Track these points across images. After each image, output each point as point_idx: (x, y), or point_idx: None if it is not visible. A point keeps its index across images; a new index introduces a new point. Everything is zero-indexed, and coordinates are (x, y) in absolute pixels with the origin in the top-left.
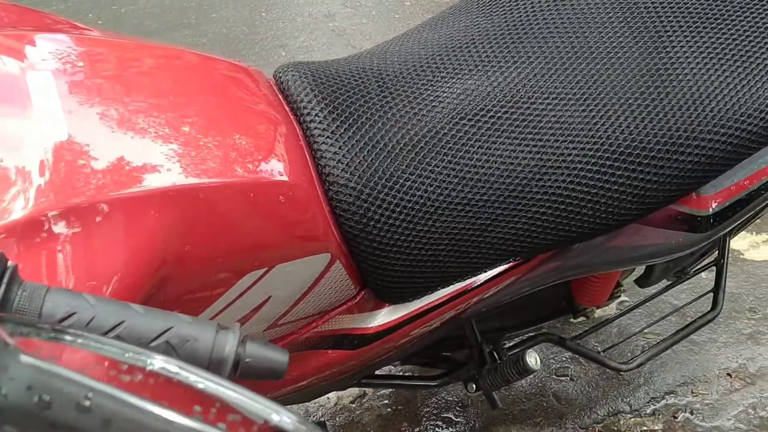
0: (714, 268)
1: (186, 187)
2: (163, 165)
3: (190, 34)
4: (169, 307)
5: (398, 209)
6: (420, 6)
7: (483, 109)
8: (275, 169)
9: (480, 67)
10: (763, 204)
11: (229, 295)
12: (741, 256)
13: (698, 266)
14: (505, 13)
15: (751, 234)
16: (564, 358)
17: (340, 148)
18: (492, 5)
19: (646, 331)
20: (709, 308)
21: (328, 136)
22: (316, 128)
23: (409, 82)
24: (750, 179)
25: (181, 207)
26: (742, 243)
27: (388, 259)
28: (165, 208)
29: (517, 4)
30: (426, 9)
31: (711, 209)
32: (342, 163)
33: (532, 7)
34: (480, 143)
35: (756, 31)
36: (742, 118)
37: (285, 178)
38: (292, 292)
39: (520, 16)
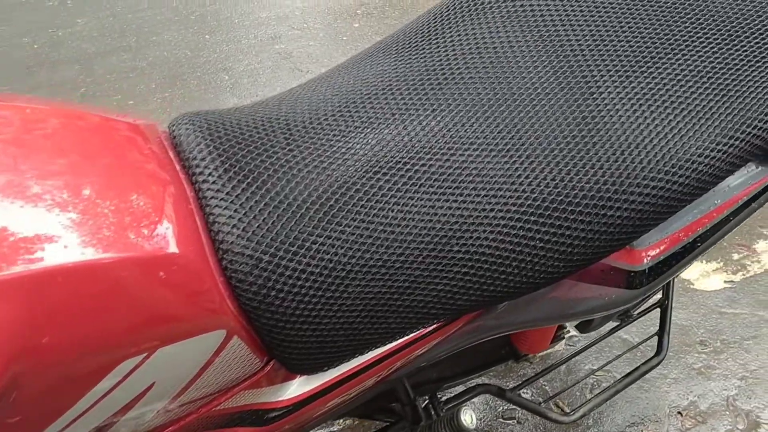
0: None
1: (38, 272)
2: (9, 246)
3: (130, 57)
4: (27, 407)
5: (304, 275)
6: (369, 27)
7: (399, 161)
8: (155, 240)
9: (397, 116)
10: (702, 253)
11: (101, 387)
12: (691, 286)
13: (642, 308)
14: (424, 57)
15: (702, 263)
16: None
17: (236, 210)
18: (411, 48)
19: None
20: (655, 352)
21: (222, 198)
22: (209, 189)
23: (320, 133)
24: (685, 231)
25: (33, 294)
26: (692, 272)
27: (295, 331)
28: (10, 296)
29: (438, 47)
30: (375, 30)
31: (645, 264)
32: (238, 228)
33: (453, 50)
34: (396, 198)
35: (688, 75)
36: (673, 170)
37: (168, 249)
38: (182, 374)
39: (441, 60)
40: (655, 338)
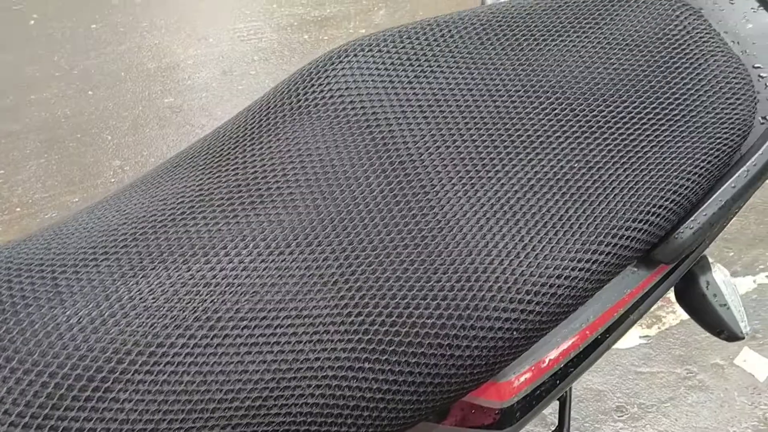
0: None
1: None
2: None
3: (4, 119)
4: None
5: None
6: (267, 74)
7: (198, 309)
8: None
9: (198, 247)
10: (578, 377)
11: None
12: None
13: None
14: (236, 169)
15: None
16: None
17: None
18: (221, 157)
19: None
20: None
21: None
22: None
23: (95, 279)
24: (554, 357)
25: None
26: None
27: None
28: None
29: (252, 156)
30: (274, 77)
31: (513, 398)
32: None
33: (271, 159)
34: (192, 358)
35: (543, 179)
36: (528, 297)
37: None
38: None
39: (255, 173)
40: None
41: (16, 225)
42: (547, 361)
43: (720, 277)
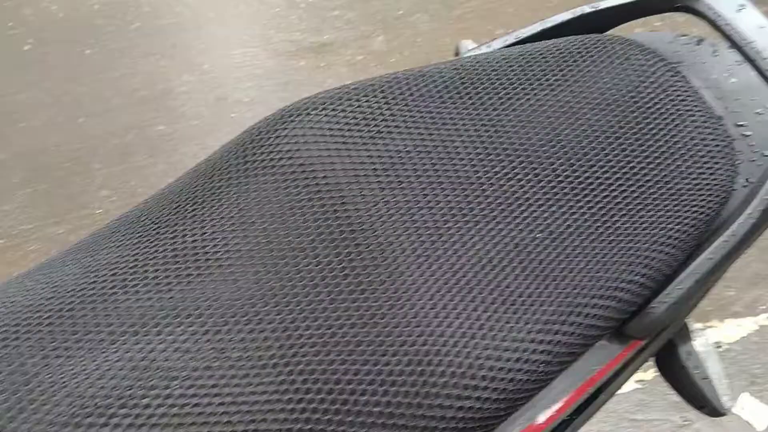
0: None
1: None
2: None
3: None
4: None
5: None
6: (261, 101)
7: (113, 405)
8: None
9: (125, 329)
10: None
11: None
12: None
13: None
14: (174, 238)
15: None
16: None
17: None
18: (159, 225)
19: None
20: None
21: None
22: None
23: None
24: None
25: None
26: None
27: None
28: None
29: (194, 223)
30: (268, 105)
31: None
32: None
33: (213, 227)
34: None
35: (502, 252)
36: (484, 383)
37: None
38: None
39: (195, 242)
40: None
41: (0, 257)
42: None
43: (701, 348)
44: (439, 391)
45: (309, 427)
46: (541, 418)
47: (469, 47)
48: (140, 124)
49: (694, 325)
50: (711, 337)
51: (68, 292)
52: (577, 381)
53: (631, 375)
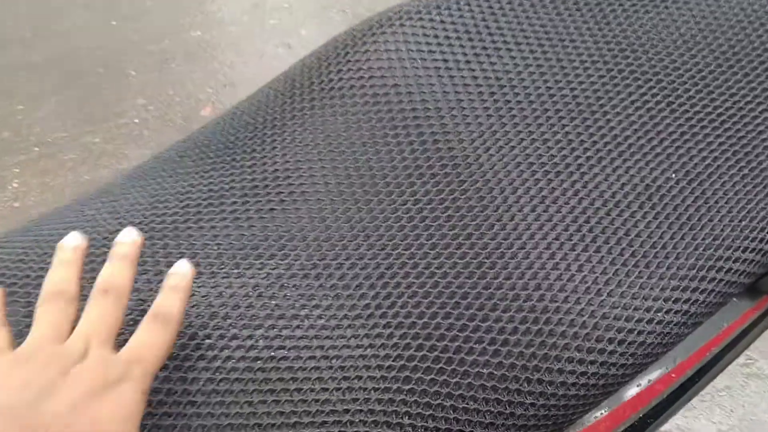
0: None
1: None
2: None
3: (23, 50)
4: None
5: None
6: (303, 9)
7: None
8: None
9: (201, 270)
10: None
11: None
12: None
13: None
14: (253, 165)
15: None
16: None
17: None
18: (235, 148)
19: None
20: None
21: None
22: None
23: None
24: (632, 404)
25: None
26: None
27: None
28: None
29: (273, 149)
30: (310, 14)
31: None
32: None
33: (295, 154)
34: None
35: (631, 193)
36: (610, 346)
37: None
38: None
39: (276, 171)
40: None
41: (34, 166)
42: (623, 411)
43: None
44: (559, 354)
45: (408, 387)
46: (660, 380)
47: None
48: (176, 29)
49: None
50: None
51: (135, 224)
52: (701, 339)
53: (756, 339)
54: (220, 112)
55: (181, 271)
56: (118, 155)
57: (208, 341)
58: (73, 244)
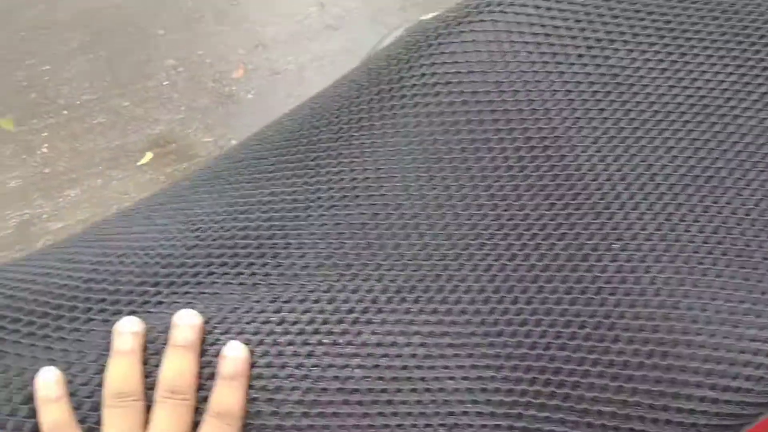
0: None
1: None
2: None
3: (47, 7)
4: None
5: None
6: None
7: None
8: None
9: (288, 281)
10: None
11: None
12: None
13: None
14: (340, 171)
15: None
16: None
17: None
18: (317, 150)
19: None
20: None
21: None
22: None
23: None
24: None
25: None
26: None
27: None
28: None
29: (362, 152)
30: None
31: None
32: None
33: (387, 159)
34: None
35: None
36: (737, 383)
37: None
38: None
39: (367, 179)
40: None
41: (63, 130)
42: None
43: None
44: (690, 393)
45: (520, 426)
46: None
47: None
48: None
49: None
50: None
51: (214, 240)
52: None
53: None
54: (251, 75)
55: (236, 355)
56: (149, 119)
57: (300, 371)
58: (130, 329)
